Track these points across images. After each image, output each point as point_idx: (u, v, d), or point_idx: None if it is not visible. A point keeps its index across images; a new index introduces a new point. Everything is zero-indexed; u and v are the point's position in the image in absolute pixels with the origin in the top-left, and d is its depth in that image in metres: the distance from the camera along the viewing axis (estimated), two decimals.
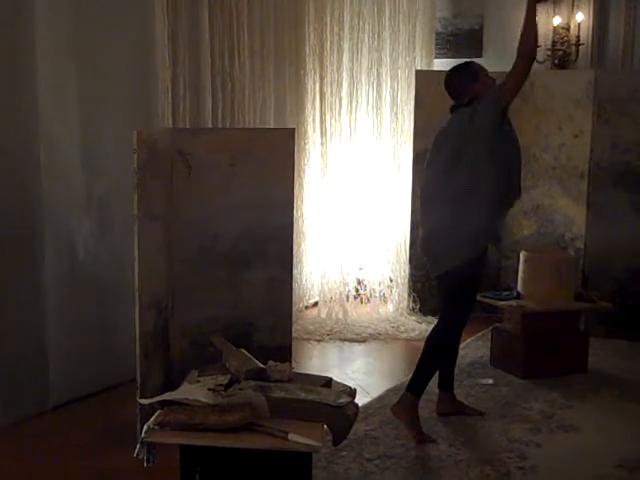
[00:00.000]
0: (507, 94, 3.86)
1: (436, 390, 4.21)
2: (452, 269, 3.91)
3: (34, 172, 4.05)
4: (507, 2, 6.79)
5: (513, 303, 4.94)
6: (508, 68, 6.40)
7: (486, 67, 6.50)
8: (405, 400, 3.96)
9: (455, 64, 4.22)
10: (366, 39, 6.54)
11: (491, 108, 3.84)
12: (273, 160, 3.73)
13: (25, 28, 3.94)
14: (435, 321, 4.18)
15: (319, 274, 6.44)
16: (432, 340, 4.00)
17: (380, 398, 4.44)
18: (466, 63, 4.16)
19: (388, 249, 6.71)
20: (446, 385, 4.24)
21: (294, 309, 4.59)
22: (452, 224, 3.88)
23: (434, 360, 4.02)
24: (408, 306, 6.35)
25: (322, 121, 6.29)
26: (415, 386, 3.97)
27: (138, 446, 2.78)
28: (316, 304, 6.47)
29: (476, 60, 6.79)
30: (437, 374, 4.15)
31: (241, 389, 2.91)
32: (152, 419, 2.77)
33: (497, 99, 3.85)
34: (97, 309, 4.44)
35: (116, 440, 3.76)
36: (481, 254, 3.94)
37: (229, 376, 3.04)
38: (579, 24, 6.50)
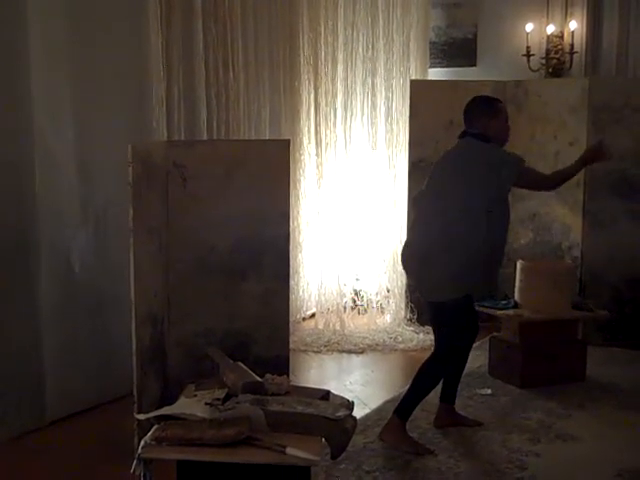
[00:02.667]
0: (520, 180, 3.93)
1: (435, 401, 4.19)
2: (437, 301, 3.94)
3: (29, 185, 4.03)
4: (501, 11, 6.82)
5: (510, 312, 4.93)
6: (502, 77, 6.44)
7: (480, 76, 6.56)
8: (392, 424, 3.94)
9: (486, 95, 4.28)
10: (360, 49, 6.55)
11: (513, 170, 3.88)
12: (268, 171, 3.73)
13: (19, 42, 3.93)
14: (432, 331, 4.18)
15: (316, 285, 6.42)
16: (424, 368, 3.98)
17: (378, 410, 4.41)
18: (495, 98, 4.17)
19: (384, 259, 6.70)
20: (448, 399, 4.21)
21: (291, 320, 4.57)
22: (438, 251, 3.84)
23: (423, 389, 3.97)
24: (405, 316, 6.34)
25: (317, 132, 6.29)
26: (402, 411, 3.94)
27: (135, 462, 2.76)
28: (313, 315, 6.45)
29: (470, 69, 6.88)
30: (440, 386, 4.13)
31: (238, 403, 2.89)
32: (149, 434, 2.76)
33: (519, 170, 3.90)
34: (93, 323, 4.42)
35: (113, 455, 3.73)
36: (466, 296, 3.90)
37: (226, 390, 3.02)
38: (573, 32, 6.52)
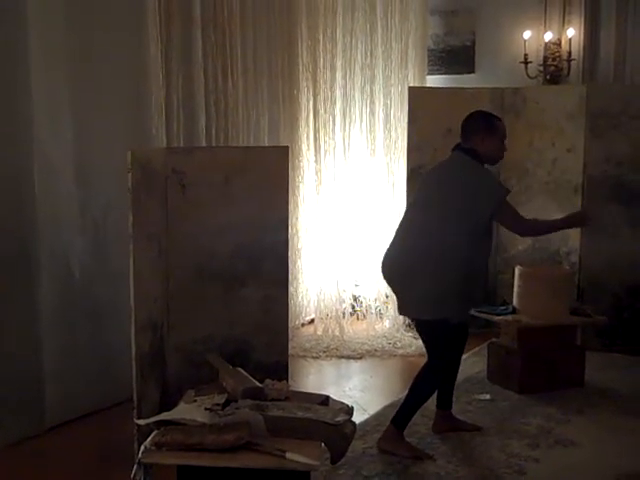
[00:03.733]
0: (499, 212, 3.82)
1: (434, 407, 4.20)
2: (421, 319, 3.95)
3: (28, 192, 4.04)
4: (499, 19, 6.85)
5: (509, 318, 4.93)
6: (499, 84, 6.46)
7: (478, 83, 6.56)
8: (389, 433, 3.94)
9: (486, 111, 4.15)
10: (359, 57, 6.57)
11: (494, 198, 3.80)
12: (267, 178, 3.74)
13: (19, 49, 3.95)
14: None
15: (315, 291, 6.43)
16: (418, 380, 3.96)
17: (377, 415, 4.42)
18: (495, 116, 4.05)
19: None
20: (444, 405, 4.21)
21: (290, 326, 4.57)
22: (420, 269, 3.81)
23: (419, 399, 3.96)
24: (404, 322, 6.33)
25: (316, 138, 6.31)
26: (399, 421, 3.94)
27: (135, 467, 2.77)
28: (312, 321, 6.45)
29: (468, 76, 6.90)
30: (436, 394, 4.13)
31: (238, 408, 2.90)
32: (149, 439, 2.76)
33: (500, 200, 3.81)
34: (93, 328, 4.42)
35: (113, 461, 3.73)
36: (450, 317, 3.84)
37: (226, 395, 3.03)
38: (570, 39, 6.54)
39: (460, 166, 3.91)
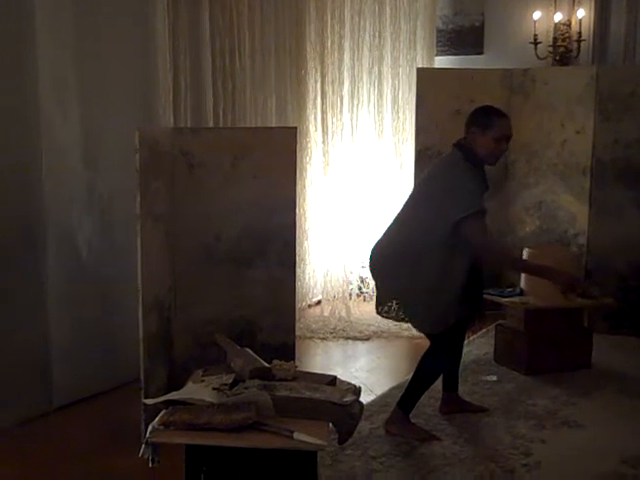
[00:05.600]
0: (467, 227, 3.55)
1: (440, 387, 4.20)
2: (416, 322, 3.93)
3: (36, 172, 4.04)
4: None
5: (516, 300, 4.93)
6: (509, 65, 6.42)
7: (487, 64, 6.47)
8: (395, 416, 3.95)
9: (493, 106, 3.80)
10: (367, 37, 6.53)
11: (460, 210, 3.54)
12: (275, 159, 3.73)
13: (26, 29, 3.93)
14: None
15: (322, 272, 6.44)
16: (422, 365, 3.94)
17: (384, 396, 4.43)
18: (501, 114, 3.74)
19: None
20: (450, 387, 4.21)
21: (297, 307, 4.59)
22: (406, 268, 3.74)
23: (424, 383, 3.95)
24: None
25: (323, 120, 6.29)
26: (405, 404, 3.93)
27: (143, 446, 2.78)
28: (319, 302, 6.47)
29: (477, 57, 6.86)
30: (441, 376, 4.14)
31: (246, 388, 2.91)
32: (157, 419, 2.77)
33: (465, 212, 3.53)
34: (100, 309, 4.44)
35: (121, 440, 3.76)
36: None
37: (233, 375, 3.04)
38: (580, 20, 6.49)
39: (445, 165, 3.77)
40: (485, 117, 3.71)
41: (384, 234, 3.91)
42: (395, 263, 3.79)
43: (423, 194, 3.81)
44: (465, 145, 3.73)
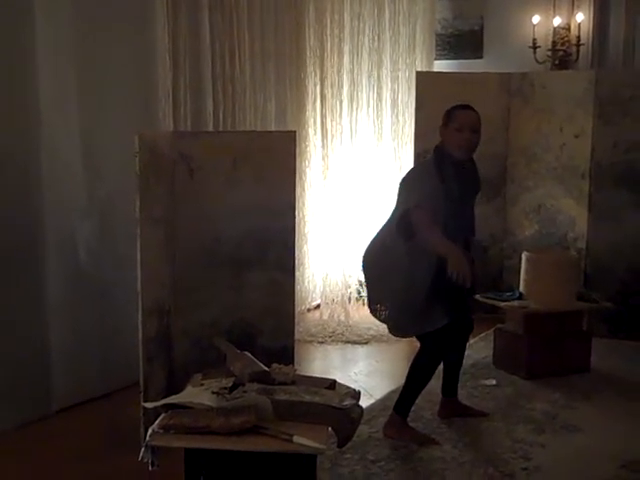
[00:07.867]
0: (410, 214, 3.63)
1: (438, 391, 4.20)
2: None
3: (36, 176, 4.05)
4: (507, 3, 6.82)
5: (515, 304, 4.93)
6: (508, 69, 6.42)
7: (486, 68, 6.46)
8: (393, 420, 3.95)
9: (462, 103, 3.88)
10: (366, 41, 6.54)
11: (408, 202, 3.68)
12: (274, 163, 3.74)
13: (26, 32, 3.94)
14: None
15: (321, 276, 6.44)
16: (412, 368, 3.94)
17: (383, 400, 4.43)
18: (463, 106, 3.82)
19: None
20: (449, 393, 4.20)
21: (296, 311, 4.58)
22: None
23: (417, 384, 3.94)
24: None
25: (323, 123, 6.29)
26: (401, 408, 3.94)
27: (142, 449, 2.78)
28: (318, 306, 6.46)
29: (476, 61, 6.87)
30: (441, 381, 4.15)
31: (245, 392, 2.91)
32: (156, 422, 2.78)
33: (408, 204, 3.66)
34: (100, 312, 4.43)
35: (120, 444, 3.75)
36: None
37: (233, 379, 3.04)
38: (579, 24, 6.50)
39: (415, 168, 3.89)
40: (447, 113, 3.84)
41: (371, 239, 4.02)
42: (375, 266, 3.92)
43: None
44: (439, 146, 3.84)
